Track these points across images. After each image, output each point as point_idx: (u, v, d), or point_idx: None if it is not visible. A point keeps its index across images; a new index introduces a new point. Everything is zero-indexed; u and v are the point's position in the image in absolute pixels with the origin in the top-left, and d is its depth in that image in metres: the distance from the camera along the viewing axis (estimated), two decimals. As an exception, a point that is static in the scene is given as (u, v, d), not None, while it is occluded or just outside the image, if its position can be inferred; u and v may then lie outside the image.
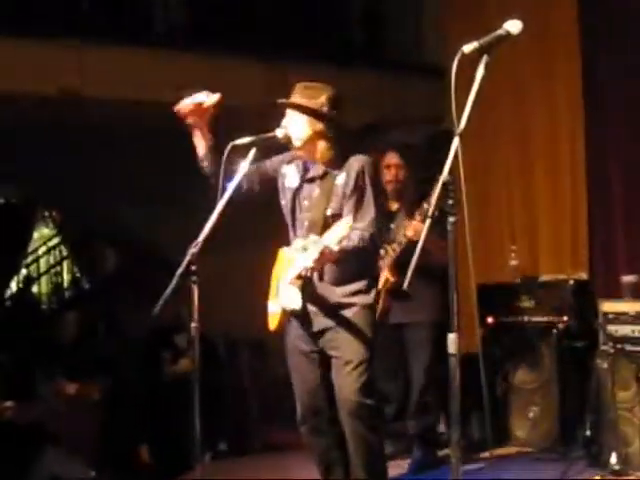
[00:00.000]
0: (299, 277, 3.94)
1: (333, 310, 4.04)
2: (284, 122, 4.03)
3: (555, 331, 5.62)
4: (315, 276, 4.04)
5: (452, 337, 2.82)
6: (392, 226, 5.35)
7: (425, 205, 5.00)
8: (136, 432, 6.96)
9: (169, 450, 6.78)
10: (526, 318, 5.80)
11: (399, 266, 5.08)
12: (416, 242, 4.82)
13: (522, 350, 5.85)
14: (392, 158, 5.48)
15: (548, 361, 5.69)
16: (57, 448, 4.41)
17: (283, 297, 4.02)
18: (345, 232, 3.75)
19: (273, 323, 4.12)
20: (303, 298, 3.96)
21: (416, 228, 5.02)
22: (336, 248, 3.81)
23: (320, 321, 4.07)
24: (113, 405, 6.91)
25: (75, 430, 6.49)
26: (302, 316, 4.08)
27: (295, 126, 4.03)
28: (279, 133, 3.99)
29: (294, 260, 3.99)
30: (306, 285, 3.98)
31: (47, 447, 4.10)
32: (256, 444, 6.57)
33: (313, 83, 4.11)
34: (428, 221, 2.81)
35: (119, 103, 6.88)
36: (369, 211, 4.00)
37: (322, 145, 4.06)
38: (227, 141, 3.85)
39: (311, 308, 4.07)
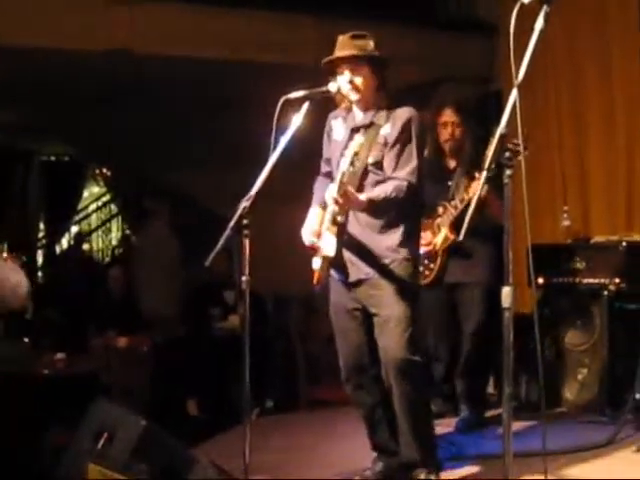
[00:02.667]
0: (333, 221, 3.92)
1: (371, 260, 4.00)
2: (343, 77, 3.98)
3: (606, 293, 5.54)
4: (355, 222, 4.01)
5: (506, 290, 2.79)
6: (450, 184, 5.30)
7: (476, 174, 4.97)
8: (185, 386, 7.07)
9: (217, 404, 6.87)
10: (577, 280, 5.72)
11: (458, 225, 5.04)
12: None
13: (573, 312, 5.79)
14: (449, 115, 5.39)
15: (599, 323, 5.63)
16: (108, 399, 4.45)
17: (322, 245, 3.98)
18: (353, 150, 3.77)
19: (316, 277, 4.12)
20: (338, 244, 3.93)
21: (476, 188, 4.96)
22: (363, 197, 3.81)
23: (357, 271, 4.04)
24: (162, 359, 7.01)
25: (125, 382, 6.61)
26: (339, 266, 4.05)
27: (358, 78, 3.99)
28: (332, 87, 3.96)
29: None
30: (341, 231, 3.95)
31: (98, 398, 4.14)
32: (303, 401, 6.61)
33: (356, 32, 4.06)
34: (484, 174, 2.76)
35: (170, 60, 6.87)
36: (410, 161, 3.97)
37: (380, 93, 4.05)
38: (281, 97, 3.84)
39: (347, 256, 4.03)
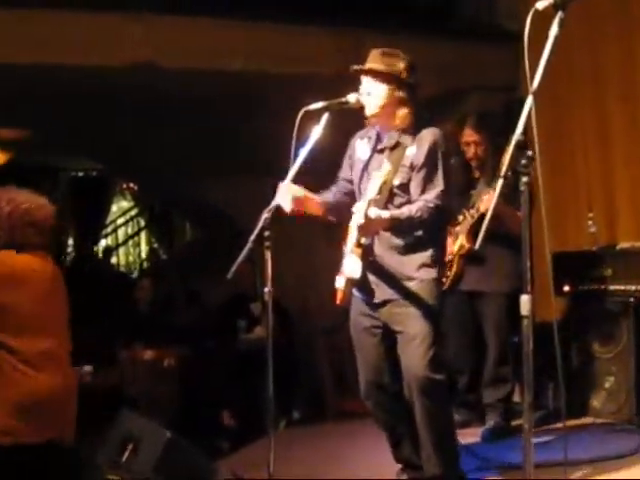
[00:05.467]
0: (358, 245, 3.92)
1: (396, 281, 4.01)
2: (362, 90, 3.99)
3: (633, 300, 5.50)
4: (380, 245, 4.02)
5: (525, 299, 2.79)
6: (473, 192, 5.34)
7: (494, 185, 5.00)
8: (216, 397, 7.09)
9: (246, 416, 6.88)
10: (604, 287, 5.67)
11: (476, 233, 5.05)
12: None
13: (600, 319, 5.74)
14: (470, 135, 5.43)
15: (626, 330, 5.58)
16: (133, 411, 4.48)
17: (346, 266, 3.99)
18: (383, 179, 3.72)
19: (339, 295, 4.10)
20: (363, 267, 3.93)
21: (488, 203, 4.99)
22: (386, 215, 3.82)
23: (382, 292, 4.04)
24: (190, 372, 7.04)
25: (152, 395, 6.64)
26: (363, 287, 4.06)
27: (375, 93, 3.99)
28: (351, 98, 3.96)
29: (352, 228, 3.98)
30: (366, 253, 3.95)
31: (123, 409, 4.17)
32: (330, 412, 6.60)
33: (389, 49, 4.07)
34: (500, 181, 2.76)
35: (193, 73, 6.91)
36: (438, 184, 3.96)
37: (403, 112, 4.02)
38: (301, 107, 3.85)
39: (372, 278, 4.04)
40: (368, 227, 3.83)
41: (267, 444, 3.96)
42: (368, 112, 4.03)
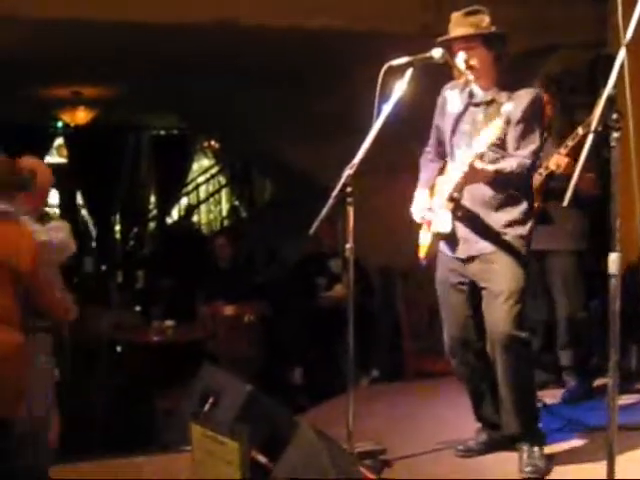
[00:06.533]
0: (450, 199, 3.90)
1: (485, 237, 3.98)
2: (460, 57, 3.92)
3: None
4: (471, 199, 3.98)
5: (613, 257, 2.74)
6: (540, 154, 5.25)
7: (569, 142, 4.94)
8: (291, 355, 7.15)
9: (322, 373, 6.94)
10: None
11: (545, 192, 5.01)
12: (557, 174, 4.87)
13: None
14: None
15: None
16: (214, 365, 4.55)
17: (435, 221, 3.98)
18: (495, 135, 3.68)
19: (423, 251, 4.10)
20: (453, 221, 3.92)
21: (558, 162, 4.95)
22: (491, 168, 3.77)
23: (470, 247, 4.01)
24: (269, 328, 7.11)
25: (232, 350, 6.73)
26: (452, 242, 4.04)
27: (474, 58, 3.93)
28: (436, 54, 3.90)
29: (446, 181, 3.96)
30: (457, 208, 3.93)
31: (205, 363, 4.23)
32: (408, 372, 6.60)
33: (470, 8, 3.99)
34: (591, 136, 2.69)
35: (275, 30, 6.91)
36: (533, 141, 3.92)
37: (496, 69, 3.98)
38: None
39: (461, 233, 4.01)
40: (473, 177, 3.81)
41: (344, 400, 4.00)
42: (470, 77, 3.98)
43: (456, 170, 3.85)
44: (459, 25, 3.96)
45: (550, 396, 5.02)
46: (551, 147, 5.16)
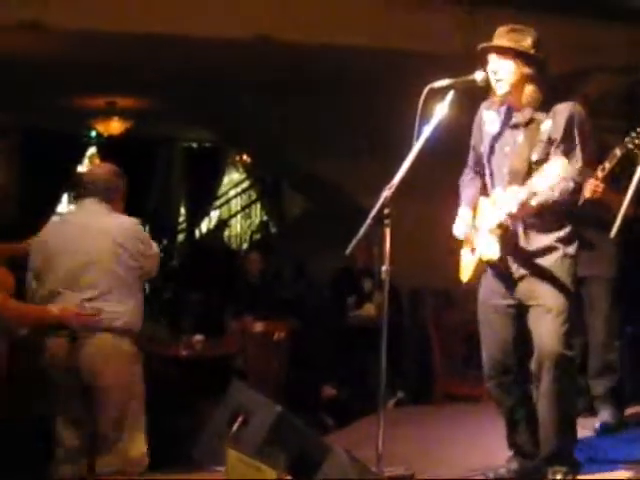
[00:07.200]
0: (499, 226, 3.87)
1: (533, 257, 3.94)
2: (489, 68, 3.89)
3: None
4: (517, 225, 3.94)
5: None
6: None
7: (607, 164, 4.82)
8: (319, 373, 7.10)
9: (350, 393, 6.89)
10: None
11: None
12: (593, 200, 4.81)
13: None
14: None
15: None
16: (243, 382, 4.52)
17: (482, 246, 3.95)
18: (556, 180, 3.63)
19: (467, 273, 4.06)
20: (502, 248, 3.88)
21: (594, 189, 4.84)
22: (534, 203, 3.74)
23: (519, 267, 3.97)
24: (297, 345, 7.06)
25: (260, 367, 6.69)
26: (499, 266, 3.99)
27: (503, 70, 3.88)
28: (478, 76, 3.87)
29: (494, 208, 3.91)
30: (506, 235, 3.89)
31: (234, 380, 4.20)
32: (438, 394, 6.54)
33: (516, 26, 3.95)
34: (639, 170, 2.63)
35: (311, 47, 6.90)
36: (577, 159, 3.86)
37: (530, 89, 3.90)
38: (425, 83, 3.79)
39: (510, 255, 3.96)
40: (517, 217, 3.81)
41: (373, 421, 3.94)
42: (498, 91, 3.93)
43: (506, 199, 3.80)
44: (499, 38, 3.93)
45: (581, 425, 4.92)
46: (588, 171, 5.08)
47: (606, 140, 5.08)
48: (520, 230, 3.95)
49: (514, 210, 3.74)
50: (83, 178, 4.63)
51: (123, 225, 4.37)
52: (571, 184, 3.80)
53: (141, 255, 4.36)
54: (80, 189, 4.53)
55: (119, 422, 4.24)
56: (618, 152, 4.80)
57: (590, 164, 4.01)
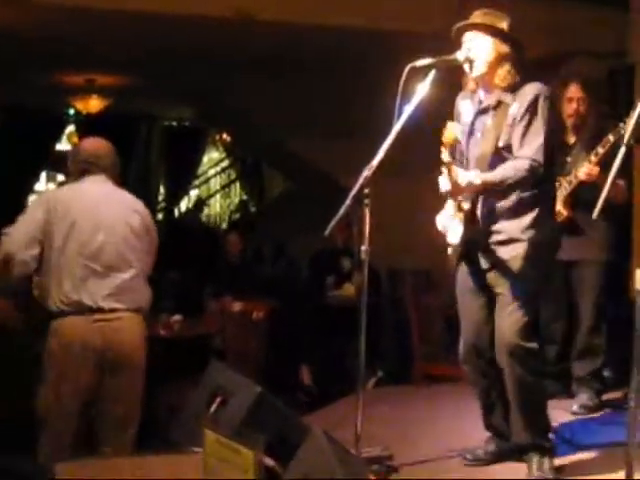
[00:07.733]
0: (459, 209, 3.88)
1: (501, 245, 3.90)
2: (467, 45, 3.88)
3: None
4: (483, 208, 3.92)
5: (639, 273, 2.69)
6: (568, 159, 5.16)
7: (600, 149, 4.82)
8: (298, 353, 7.10)
9: (329, 373, 6.89)
10: None
11: (573, 201, 4.96)
12: (588, 183, 4.80)
13: None
14: (575, 91, 5.24)
15: None
16: (221, 362, 4.50)
17: (449, 233, 3.96)
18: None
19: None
20: (464, 233, 3.88)
21: (590, 172, 4.86)
22: (477, 181, 3.74)
23: (487, 257, 3.95)
24: (277, 325, 7.05)
25: (239, 347, 6.68)
26: (470, 253, 3.99)
27: (479, 48, 3.86)
28: (460, 55, 3.85)
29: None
30: (468, 218, 3.88)
31: (213, 360, 4.18)
32: (416, 375, 6.55)
33: (491, 10, 3.94)
34: (623, 149, 2.63)
35: (296, 27, 6.86)
36: (536, 139, 3.79)
37: (505, 68, 3.87)
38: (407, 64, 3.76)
39: (478, 243, 3.95)
40: (456, 193, 3.81)
41: (351, 402, 3.93)
42: (474, 73, 3.90)
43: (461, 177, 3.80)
44: (474, 19, 3.93)
45: (559, 408, 4.95)
46: (582, 152, 5.08)
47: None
48: (486, 215, 3.91)
49: (463, 184, 3.74)
50: (83, 154, 4.21)
51: (139, 203, 4.27)
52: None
53: (152, 237, 4.30)
54: (80, 165, 4.18)
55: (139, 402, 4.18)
56: (611, 138, 4.80)
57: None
